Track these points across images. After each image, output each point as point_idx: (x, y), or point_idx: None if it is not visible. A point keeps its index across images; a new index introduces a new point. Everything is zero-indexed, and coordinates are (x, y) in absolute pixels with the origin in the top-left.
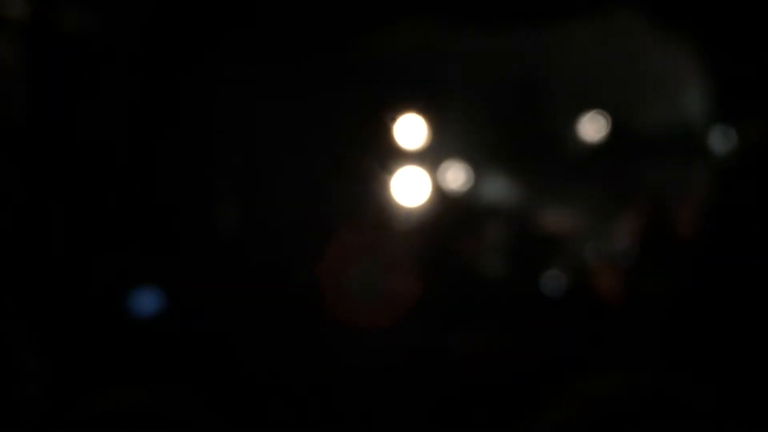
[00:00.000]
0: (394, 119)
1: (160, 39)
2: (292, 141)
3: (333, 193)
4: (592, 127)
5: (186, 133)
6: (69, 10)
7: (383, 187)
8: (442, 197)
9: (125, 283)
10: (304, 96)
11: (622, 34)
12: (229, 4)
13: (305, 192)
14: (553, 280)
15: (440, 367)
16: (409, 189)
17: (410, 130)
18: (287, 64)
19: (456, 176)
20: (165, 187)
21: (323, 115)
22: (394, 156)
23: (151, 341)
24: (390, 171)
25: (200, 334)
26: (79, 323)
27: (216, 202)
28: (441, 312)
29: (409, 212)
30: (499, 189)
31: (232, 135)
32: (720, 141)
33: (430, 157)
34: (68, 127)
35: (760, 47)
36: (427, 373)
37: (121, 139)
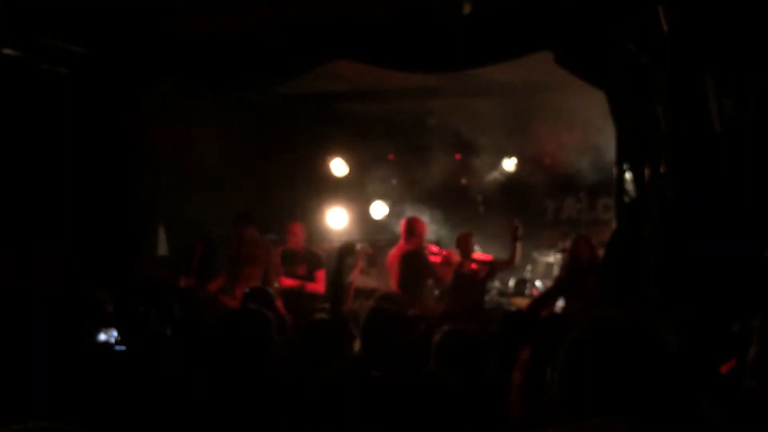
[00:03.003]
0: (327, 155)
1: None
2: (227, 172)
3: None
4: (508, 167)
5: (122, 166)
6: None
7: (316, 215)
8: (370, 228)
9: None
10: (240, 131)
11: (543, 85)
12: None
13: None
14: (473, 310)
15: (355, 397)
16: (339, 218)
17: (339, 165)
18: (223, 99)
19: (381, 209)
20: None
21: (258, 151)
22: (326, 187)
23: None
24: (322, 201)
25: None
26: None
27: (154, 229)
28: (367, 339)
29: (340, 239)
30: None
31: (167, 168)
32: (624, 180)
33: (358, 190)
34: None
35: (655, 103)
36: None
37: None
